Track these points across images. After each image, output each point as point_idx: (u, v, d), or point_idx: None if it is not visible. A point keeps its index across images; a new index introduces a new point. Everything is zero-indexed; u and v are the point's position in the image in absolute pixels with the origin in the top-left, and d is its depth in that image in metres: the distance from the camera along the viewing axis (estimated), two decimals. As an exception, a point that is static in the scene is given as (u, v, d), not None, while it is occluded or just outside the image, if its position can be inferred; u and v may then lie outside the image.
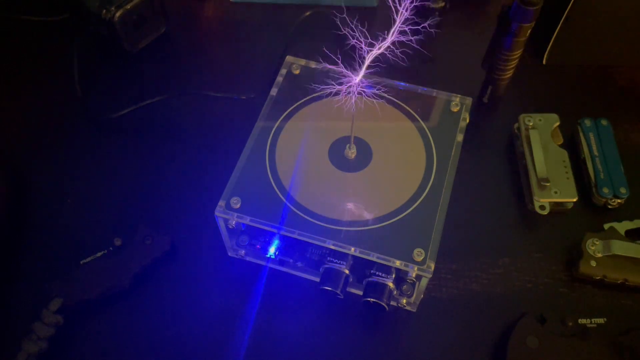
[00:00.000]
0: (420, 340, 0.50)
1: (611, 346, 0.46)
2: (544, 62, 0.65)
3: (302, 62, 0.56)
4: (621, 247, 0.50)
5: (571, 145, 0.58)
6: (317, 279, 0.48)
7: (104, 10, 0.62)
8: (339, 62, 0.41)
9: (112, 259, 0.51)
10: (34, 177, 0.59)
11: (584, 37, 0.62)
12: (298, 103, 0.53)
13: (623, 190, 0.54)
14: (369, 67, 0.41)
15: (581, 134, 0.57)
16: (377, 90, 0.42)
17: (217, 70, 0.68)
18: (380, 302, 0.46)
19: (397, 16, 0.37)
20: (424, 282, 0.45)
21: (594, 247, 0.51)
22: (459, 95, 0.53)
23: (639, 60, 0.65)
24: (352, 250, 0.45)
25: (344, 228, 0.46)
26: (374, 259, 0.45)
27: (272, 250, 0.50)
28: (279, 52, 0.64)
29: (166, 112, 0.63)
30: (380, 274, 0.46)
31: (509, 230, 0.55)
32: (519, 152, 0.58)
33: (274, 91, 0.54)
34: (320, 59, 0.46)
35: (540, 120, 0.57)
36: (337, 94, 0.42)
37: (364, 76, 0.41)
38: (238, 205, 0.47)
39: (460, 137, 0.51)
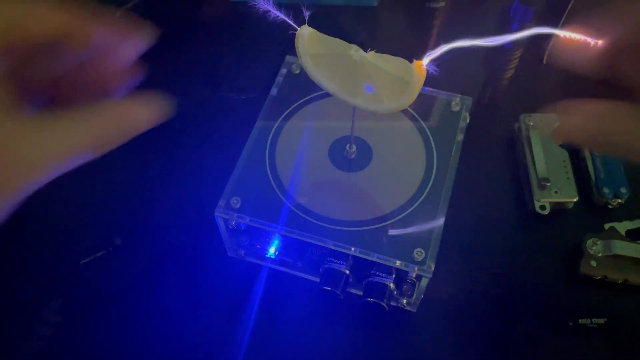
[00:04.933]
0: (420, 340, 0.50)
1: (611, 346, 0.46)
2: (544, 62, 0.65)
3: (302, 62, 0.56)
4: (622, 247, 0.50)
5: (571, 145, 0.58)
6: (317, 279, 0.48)
7: (104, 10, 0.62)
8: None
9: (112, 259, 0.51)
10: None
11: (584, 37, 0.62)
12: (298, 103, 0.53)
13: (623, 190, 0.54)
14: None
15: (581, 134, 0.57)
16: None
17: (217, 70, 0.68)
18: (380, 302, 0.46)
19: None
20: (424, 282, 0.45)
21: (594, 247, 0.51)
22: (459, 95, 0.53)
23: (639, 60, 0.65)
24: (352, 250, 0.45)
25: (344, 228, 0.46)
26: (374, 259, 0.45)
27: (272, 250, 0.50)
28: (279, 52, 0.64)
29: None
30: (380, 274, 0.46)
31: (509, 230, 0.55)
32: (519, 152, 0.58)
33: (274, 91, 0.54)
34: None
35: (540, 120, 0.57)
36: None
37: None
38: (238, 205, 0.47)
39: (460, 137, 0.51)
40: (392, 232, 0.46)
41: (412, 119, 0.52)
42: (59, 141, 0.27)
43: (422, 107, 0.53)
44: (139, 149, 0.61)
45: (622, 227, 0.53)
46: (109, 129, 0.29)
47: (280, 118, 0.52)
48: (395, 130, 0.52)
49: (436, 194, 0.48)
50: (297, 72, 0.55)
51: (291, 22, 0.39)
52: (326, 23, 0.67)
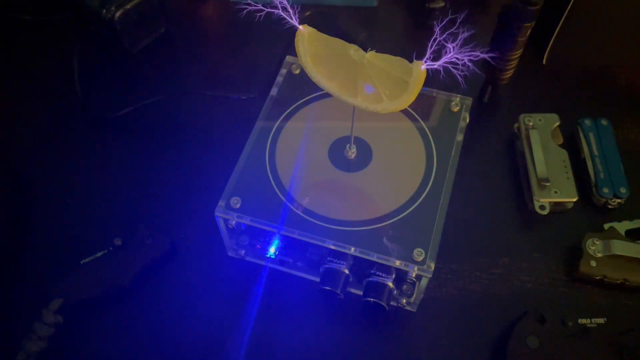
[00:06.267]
0: (420, 340, 0.50)
1: (611, 346, 0.46)
2: (544, 62, 0.65)
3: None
4: (621, 247, 0.50)
5: (571, 145, 0.58)
6: (317, 279, 0.48)
7: (104, 10, 0.62)
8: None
9: (112, 259, 0.51)
10: (34, 177, 0.59)
11: (584, 37, 0.62)
12: (298, 103, 0.53)
13: (623, 190, 0.54)
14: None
15: (581, 134, 0.57)
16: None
17: (217, 70, 0.68)
18: (380, 302, 0.46)
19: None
20: (424, 282, 0.45)
21: (594, 247, 0.51)
22: (459, 95, 0.53)
23: (639, 60, 0.65)
24: (352, 250, 0.45)
25: (344, 228, 0.46)
26: (374, 259, 0.45)
27: (272, 250, 0.50)
28: (279, 52, 0.64)
29: (166, 112, 0.63)
30: (380, 273, 0.46)
31: (509, 230, 0.55)
32: (519, 152, 0.58)
33: (274, 91, 0.54)
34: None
35: (540, 120, 0.57)
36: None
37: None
38: (238, 205, 0.47)
39: (460, 137, 0.51)
40: (390, 235, 0.46)
41: (412, 119, 0.52)
42: None
43: (422, 107, 0.53)
44: (139, 149, 0.61)
45: (622, 227, 0.53)
46: None
47: (280, 118, 0.52)
48: (395, 130, 0.52)
49: (436, 194, 0.48)
50: (297, 72, 0.55)
51: (291, 22, 0.39)
52: (326, 23, 0.68)
